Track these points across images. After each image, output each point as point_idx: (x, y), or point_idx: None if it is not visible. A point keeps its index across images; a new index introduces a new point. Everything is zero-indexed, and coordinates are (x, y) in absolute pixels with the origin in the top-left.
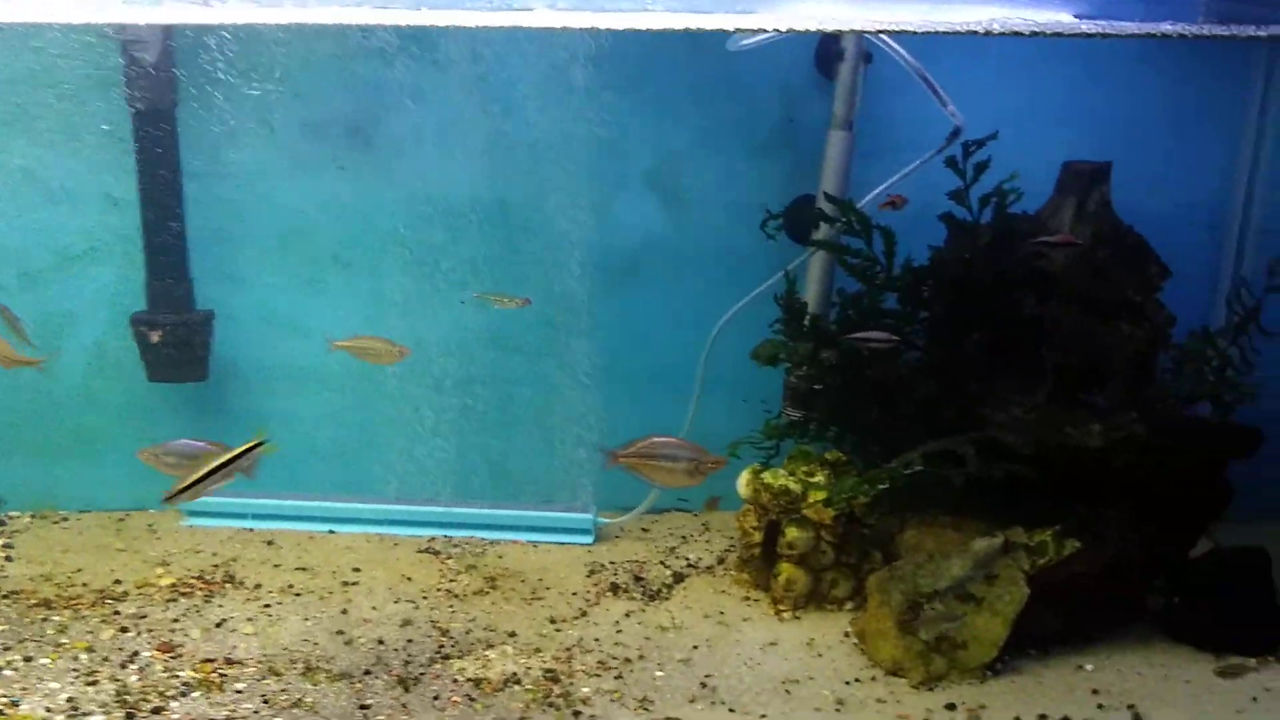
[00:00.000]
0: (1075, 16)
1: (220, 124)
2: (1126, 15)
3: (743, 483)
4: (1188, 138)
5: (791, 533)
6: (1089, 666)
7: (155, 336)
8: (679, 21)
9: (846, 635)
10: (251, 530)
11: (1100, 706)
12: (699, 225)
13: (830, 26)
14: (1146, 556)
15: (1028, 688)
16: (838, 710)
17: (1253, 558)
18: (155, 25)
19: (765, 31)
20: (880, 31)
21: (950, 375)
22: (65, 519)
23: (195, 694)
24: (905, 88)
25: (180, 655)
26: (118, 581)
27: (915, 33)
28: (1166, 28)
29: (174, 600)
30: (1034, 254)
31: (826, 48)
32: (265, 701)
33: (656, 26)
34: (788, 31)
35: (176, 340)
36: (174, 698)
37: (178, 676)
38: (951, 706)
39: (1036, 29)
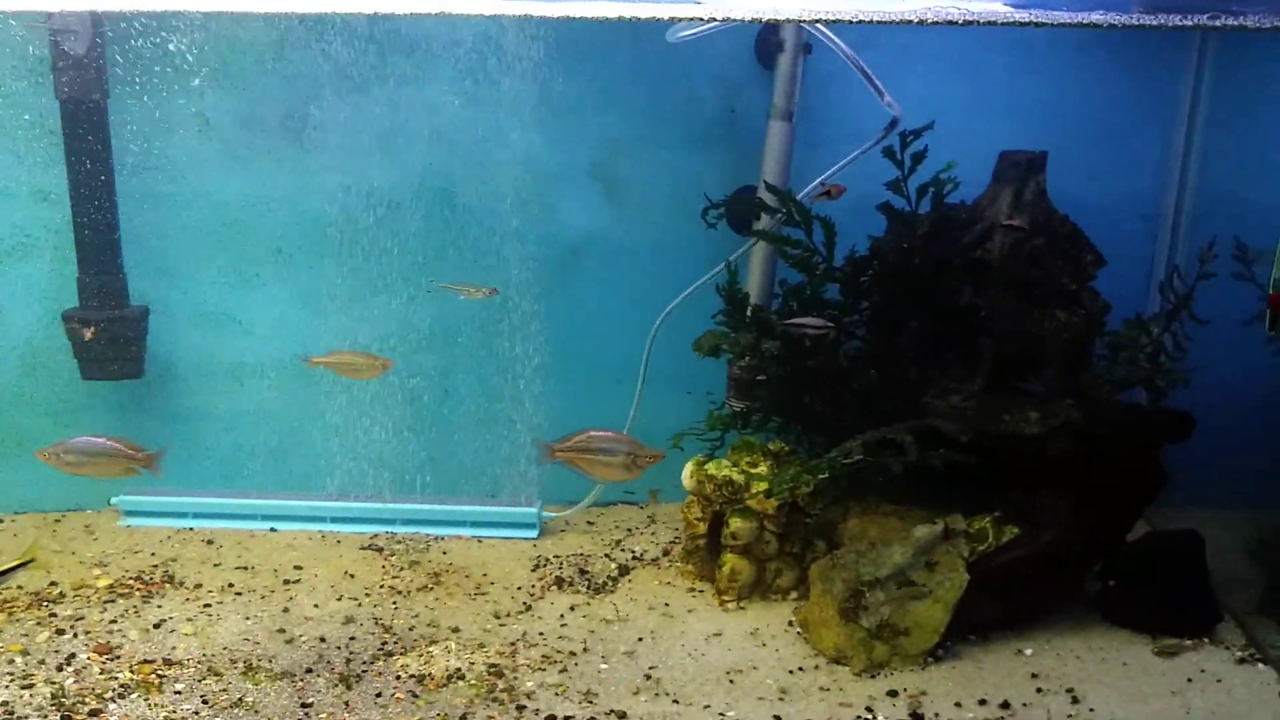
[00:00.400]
0: (1009, 6)
1: (153, 116)
2: (1058, 4)
3: (686, 474)
4: (1122, 128)
5: (735, 523)
6: (1028, 651)
7: (88, 333)
8: (616, 11)
9: (790, 624)
10: (191, 529)
11: (1039, 690)
12: (641, 216)
13: (767, 17)
14: (1084, 541)
15: (968, 673)
16: (781, 699)
17: (1186, 541)
18: (84, 14)
19: (704, 22)
20: (816, 21)
21: (890, 364)
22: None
23: (134, 695)
24: (845, 78)
25: (118, 657)
26: (54, 583)
27: (850, 22)
28: (1097, 17)
29: (112, 601)
30: (974, 243)
31: (766, 39)
32: (205, 702)
33: (594, 15)
34: (725, 21)
35: (110, 337)
36: (111, 700)
37: (115, 678)
38: (893, 693)
39: (970, 18)
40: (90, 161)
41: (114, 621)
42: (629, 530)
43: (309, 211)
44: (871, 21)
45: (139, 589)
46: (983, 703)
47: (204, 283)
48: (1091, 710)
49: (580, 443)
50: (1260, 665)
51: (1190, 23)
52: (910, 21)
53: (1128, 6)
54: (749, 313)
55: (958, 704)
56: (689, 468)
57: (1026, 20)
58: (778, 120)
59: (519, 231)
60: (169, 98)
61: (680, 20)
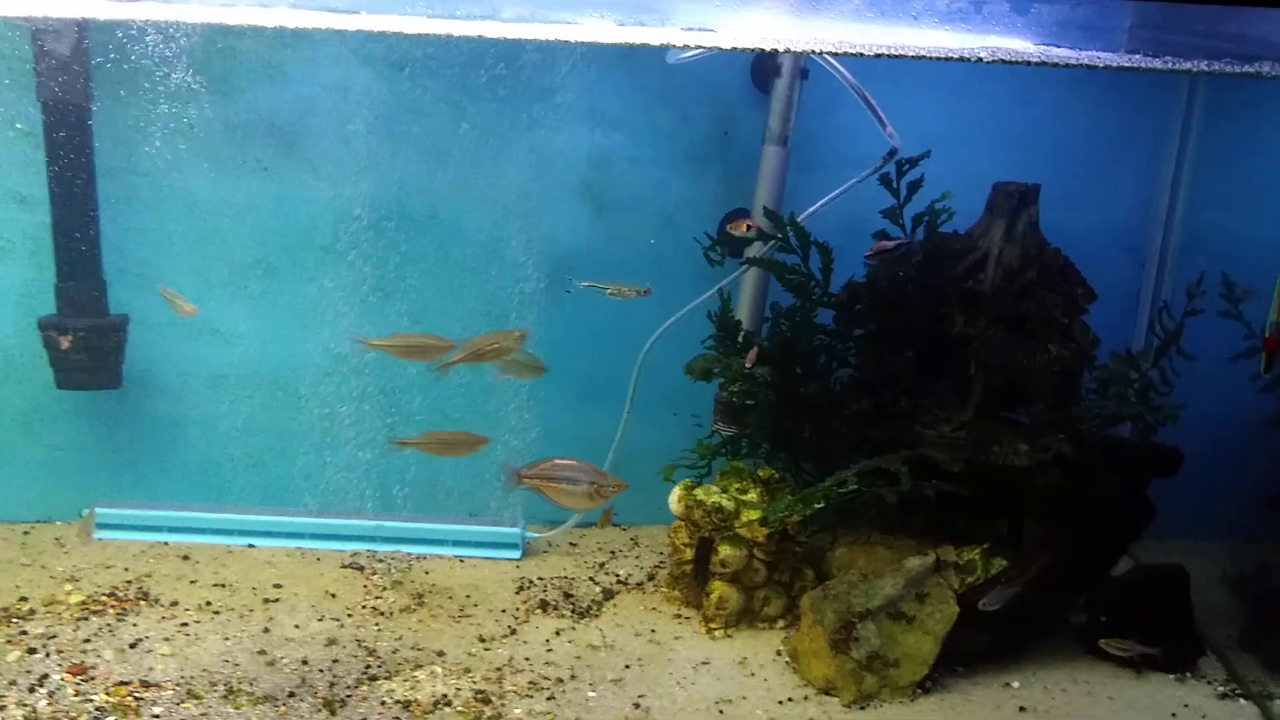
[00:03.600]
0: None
1: (137, 121)
2: (1062, 43)
3: (674, 499)
4: (1111, 162)
5: (724, 550)
6: (1015, 684)
7: (65, 342)
8: (620, 36)
9: (779, 654)
10: (166, 544)
11: None
12: (631, 237)
13: (784, 47)
14: (1070, 574)
15: (957, 705)
16: None
17: (1172, 575)
18: (69, 17)
19: (705, 48)
20: (824, 52)
21: (881, 392)
22: None
23: (110, 719)
24: (840, 105)
25: (93, 678)
26: (24, 599)
27: (860, 55)
28: (1091, 57)
29: (85, 619)
30: (967, 273)
31: (763, 63)
32: None
33: (594, 40)
34: (730, 50)
35: (88, 346)
36: None
37: (90, 700)
38: None
39: (986, 56)
40: (71, 166)
41: (88, 640)
42: (612, 553)
43: (293, 223)
44: (879, 55)
45: (113, 606)
46: None
47: (185, 292)
48: None
49: (545, 470)
50: (1242, 700)
51: (1183, 67)
52: (926, 57)
53: (1118, 48)
54: (741, 338)
55: None
56: (677, 492)
57: (1035, 60)
58: (772, 145)
59: (509, 249)
60: (153, 103)
61: (682, 46)
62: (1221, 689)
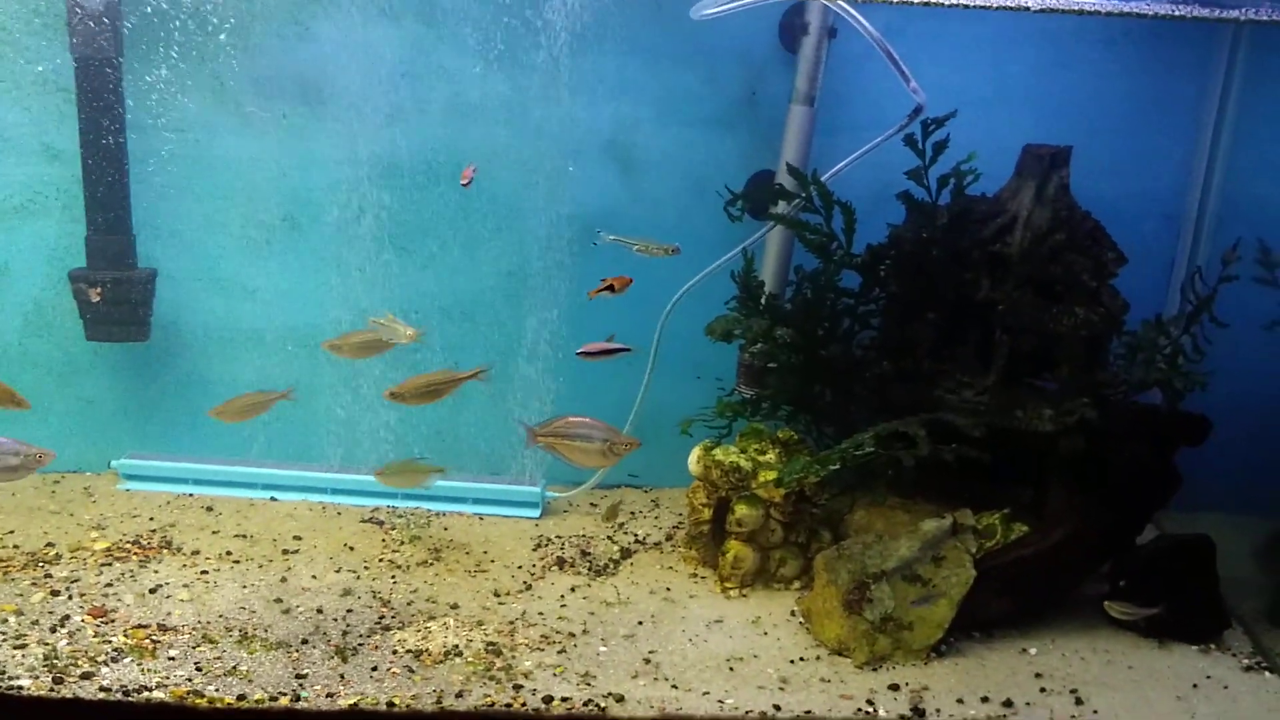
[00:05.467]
0: None
1: (167, 76)
2: None
3: (693, 459)
4: (1148, 126)
5: (741, 510)
6: (1033, 650)
7: (95, 294)
8: None
9: (793, 614)
10: (191, 495)
11: (1043, 690)
12: (656, 197)
13: None
14: (1093, 542)
15: (971, 670)
16: (781, 689)
17: (1197, 546)
18: None
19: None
20: (848, 3)
21: (904, 356)
22: None
23: (127, 659)
24: (869, 64)
25: (112, 620)
26: (50, 544)
27: (884, 1)
28: (1140, 6)
29: (108, 565)
30: (993, 236)
31: (791, 21)
32: (199, 669)
33: None
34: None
35: (116, 298)
36: (104, 663)
37: (109, 641)
38: (895, 687)
39: (1022, 4)
40: (103, 120)
41: (109, 585)
42: (632, 513)
43: (318, 179)
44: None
45: (136, 553)
46: (985, 700)
47: (212, 247)
48: (1095, 712)
49: (558, 428)
50: (1267, 674)
51: (1232, 16)
52: (968, 5)
53: None
54: (763, 300)
55: (960, 700)
56: (696, 453)
57: (1068, 8)
58: (799, 104)
59: (533, 208)
60: (183, 58)
61: None
62: (1247, 661)
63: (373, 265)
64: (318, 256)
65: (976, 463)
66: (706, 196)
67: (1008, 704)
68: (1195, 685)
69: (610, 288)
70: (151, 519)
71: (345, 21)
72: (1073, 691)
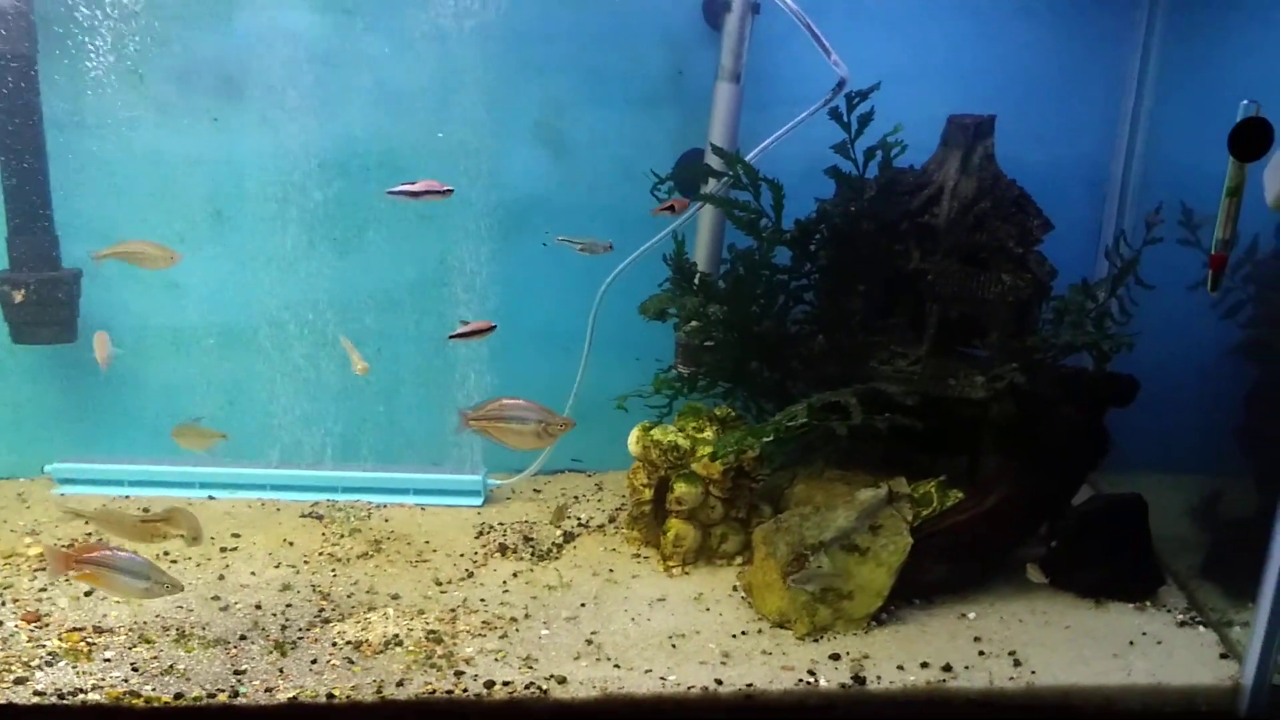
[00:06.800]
0: None
1: (84, 71)
2: None
3: (632, 440)
4: (1071, 94)
5: (680, 488)
6: (972, 614)
7: (19, 296)
8: None
9: (735, 589)
10: (127, 497)
11: (982, 653)
12: (586, 179)
13: None
14: (1028, 505)
15: (911, 636)
16: (723, 663)
17: (1130, 505)
18: None
19: None
20: None
21: (837, 330)
22: None
23: (62, 663)
24: (793, 40)
25: (46, 625)
26: None
27: None
28: None
29: (42, 569)
30: (921, 207)
31: None
32: (135, 669)
33: None
34: None
35: (42, 300)
36: (39, 667)
37: (43, 646)
38: (836, 657)
39: None
40: (18, 118)
41: (44, 590)
42: (575, 498)
43: (246, 173)
44: None
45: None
46: (925, 665)
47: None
48: (1033, 673)
49: (492, 410)
50: (1201, 628)
51: None
52: None
53: None
54: (696, 278)
55: (900, 667)
56: (635, 433)
57: None
58: (725, 82)
59: (463, 195)
60: (101, 53)
61: None
62: (1181, 617)
63: (302, 257)
64: (246, 250)
65: (914, 433)
66: (637, 177)
67: (947, 669)
68: (1131, 642)
69: (670, 208)
70: (86, 523)
71: (265, 10)
72: (1011, 654)
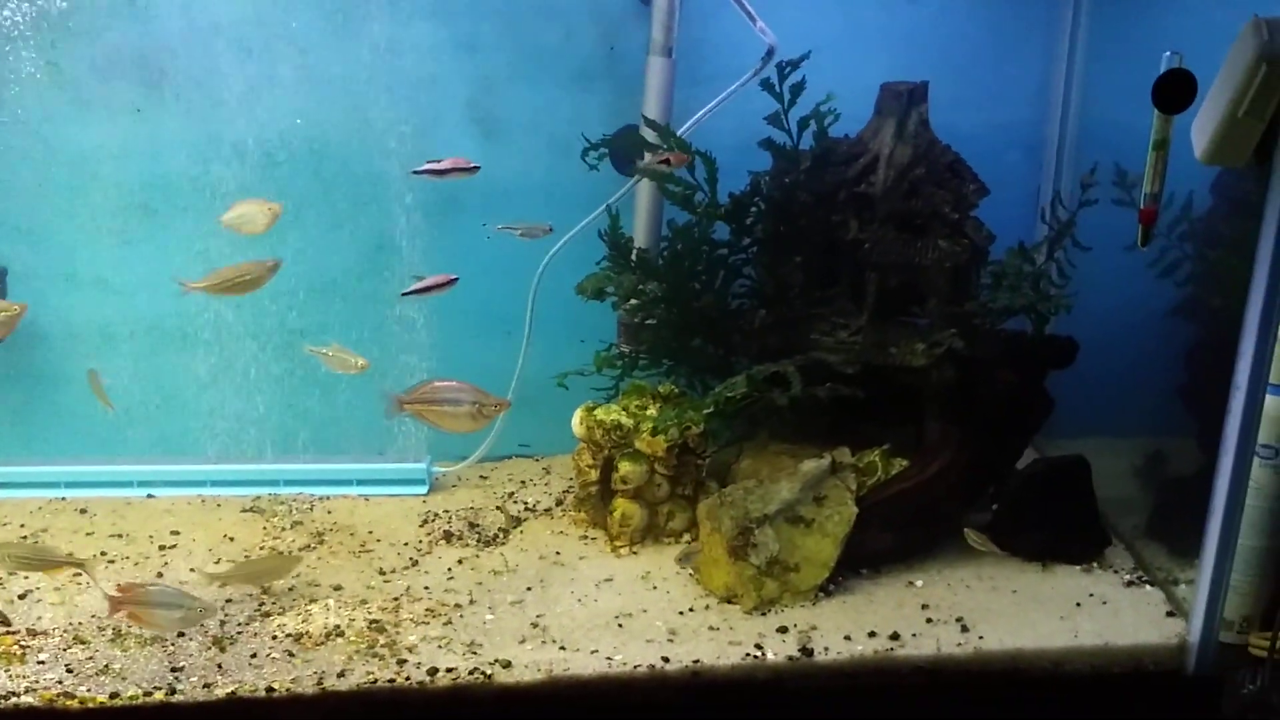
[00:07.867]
0: None
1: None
2: None
3: (576, 420)
4: (1005, 57)
5: (625, 467)
6: (919, 582)
7: None
8: None
9: (682, 567)
10: (64, 499)
11: (929, 621)
12: (520, 158)
13: None
14: (972, 470)
15: (859, 606)
16: (670, 641)
17: (1072, 466)
18: None
19: None
20: None
21: (778, 303)
22: None
23: None
24: (725, 12)
25: None
26: None
27: None
28: None
29: None
30: (858, 176)
31: None
32: (69, 670)
33: None
34: None
35: None
36: None
37: None
38: (784, 629)
39: None
40: None
41: None
42: (523, 483)
43: (171, 165)
44: None
45: None
46: (872, 635)
47: (65, 241)
48: (981, 638)
49: (425, 393)
50: (1148, 587)
51: None
52: None
53: None
54: (634, 257)
55: (847, 637)
56: (579, 414)
57: None
58: (657, 55)
59: (395, 179)
60: (13, 45)
61: None
62: (1128, 577)
63: (235, 248)
64: (176, 243)
65: (859, 403)
66: (572, 155)
67: (894, 637)
68: (1078, 604)
69: (666, 162)
70: (23, 525)
71: None
72: (959, 620)
